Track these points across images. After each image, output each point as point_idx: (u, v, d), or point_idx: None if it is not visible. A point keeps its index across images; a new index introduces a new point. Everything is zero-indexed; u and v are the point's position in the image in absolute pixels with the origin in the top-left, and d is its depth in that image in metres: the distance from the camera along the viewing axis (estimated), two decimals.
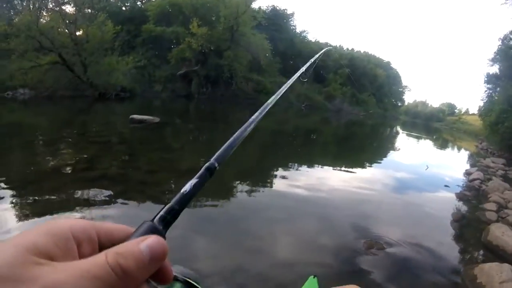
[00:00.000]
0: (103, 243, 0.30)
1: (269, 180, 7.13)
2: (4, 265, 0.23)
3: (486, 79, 27.64)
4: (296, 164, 8.84)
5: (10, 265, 0.23)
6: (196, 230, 3.94)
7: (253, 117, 0.55)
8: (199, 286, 0.42)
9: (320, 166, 9.20)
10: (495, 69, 27.13)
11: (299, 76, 0.96)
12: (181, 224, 3.80)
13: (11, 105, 15.28)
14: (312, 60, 1.10)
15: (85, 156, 6.80)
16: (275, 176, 7.49)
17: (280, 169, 8.16)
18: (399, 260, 3.98)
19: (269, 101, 0.66)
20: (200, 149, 9.68)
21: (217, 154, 0.43)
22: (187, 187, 0.37)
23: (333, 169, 9.11)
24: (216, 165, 0.40)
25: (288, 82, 0.82)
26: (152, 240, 0.29)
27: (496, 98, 23.51)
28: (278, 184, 6.71)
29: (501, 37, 26.00)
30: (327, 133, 20.64)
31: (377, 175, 8.89)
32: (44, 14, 22.23)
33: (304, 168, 8.59)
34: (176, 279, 0.43)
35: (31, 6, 22.01)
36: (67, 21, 20.52)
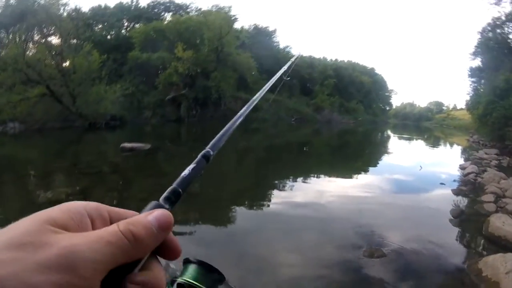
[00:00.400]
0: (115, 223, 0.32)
1: (266, 196, 7.09)
2: (24, 233, 0.26)
3: (469, 73, 28.13)
4: (291, 178, 8.82)
5: (29, 233, 0.26)
6: (196, 250, 3.87)
7: (241, 111, 0.62)
8: (214, 267, 0.43)
9: (316, 177, 9.19)
10: (477, 62, 27.68)
11: (282, 76, 1.03)
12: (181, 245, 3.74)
13: (2, 139, 15.16)
14: (289, 63, 1.16)
15: (78, 188, 6.71)
16: (272, 191, 7.46)
17: (276, 184, 8.13)
18: (402, 264, 3.94)
19: (254, 97, 0.73)
20: None
21: (211, 143, 0.49)
22: (186, 171, 0.41)
23: (330, 179, 9.11)
24: (211, 152, 0.46)
25: (270, 81, 0.89)
26: (158, 212, 0.32)
27: (481, 90, 23.88)
28: (276, 200, 6.67)
29: (480, 31, 26.67)
30: (320, 144, 20.71)
31: (373, 180, 8.89)
32: (31, 46, 22.31)
33: (300, 181, 8.57)
34: (189, 261, 0.45)
35: (17, 39, 22.04)
36: (54, 53, 20.55)
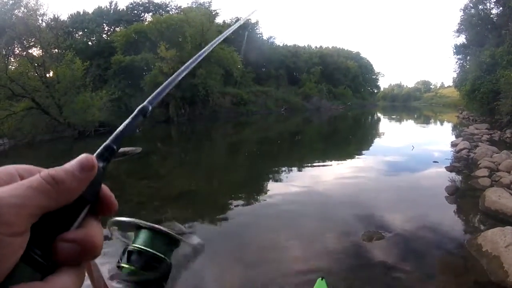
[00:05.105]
0: None
1: (263, 188, 7.07)
2: None
3: (454, 50, 28.31)
4: (287, 168, 8.81)
5: None
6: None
7: (185, 64, 0.56)
8: (170, 232, 0.39)
9: (311, 165, 9.20)
10: (462, 39, 27.90)
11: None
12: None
13: None
14: (242, 21, 1.06)
15: None
16: (269, 183, 7.45)
17: (272, 175, 8.12)
18: (402, 245, 3.96)
19: (200, 52, 0.64)
20: (188, 171, 9.56)
21: (150, 97, 0.46)
22: (121, 127, 0.40)
23: (324, 165, 9.11)
24: (150, 107, 0.44)
25: (221, 36, 0.74)
26: (80, 156, 0.32)
27: (468, 67, 24.06)
28: (274, 191, 6.65)
29: (462, 8, 26.87)
30: (311, 132, 20.73)
31: (367, 164, 8.93)
32: (12, 60, 21.88)
33: (295, 170, 8.57)
34: (139, 226, 0.40)
35: None
36: (36, 64, 20.22)
